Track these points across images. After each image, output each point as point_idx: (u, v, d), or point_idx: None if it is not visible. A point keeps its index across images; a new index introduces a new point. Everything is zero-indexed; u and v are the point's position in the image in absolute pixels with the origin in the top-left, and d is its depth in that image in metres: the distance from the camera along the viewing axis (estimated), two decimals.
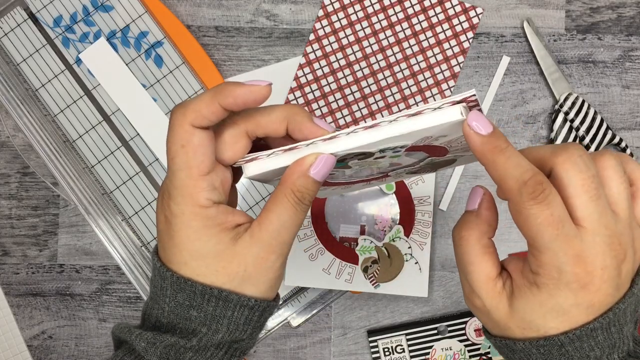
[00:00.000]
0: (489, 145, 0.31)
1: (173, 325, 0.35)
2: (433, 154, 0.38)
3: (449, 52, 0.63)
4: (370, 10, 0.63)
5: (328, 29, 0.63)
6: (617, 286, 0.32)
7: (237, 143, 0.35)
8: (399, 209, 0.59)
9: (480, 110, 0.31)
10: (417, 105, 0.63)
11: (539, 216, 0.30)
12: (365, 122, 0.35)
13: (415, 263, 0.59)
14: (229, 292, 0.34)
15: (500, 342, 0.34)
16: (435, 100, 0.63)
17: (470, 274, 0.34)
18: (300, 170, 0.33)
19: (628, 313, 0.32)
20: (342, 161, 0.36)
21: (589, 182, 0.31)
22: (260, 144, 0.37)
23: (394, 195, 0.59)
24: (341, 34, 0.63)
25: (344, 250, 0.59)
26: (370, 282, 0.59)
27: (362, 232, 0.59)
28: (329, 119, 0.63)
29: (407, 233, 0.59)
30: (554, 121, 0.62)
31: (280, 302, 0.61)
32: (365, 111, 0.63)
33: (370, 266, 0.58)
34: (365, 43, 0.63)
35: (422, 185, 0.59)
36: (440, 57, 0.63)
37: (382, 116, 0.63)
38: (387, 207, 0.59)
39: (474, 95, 0.30)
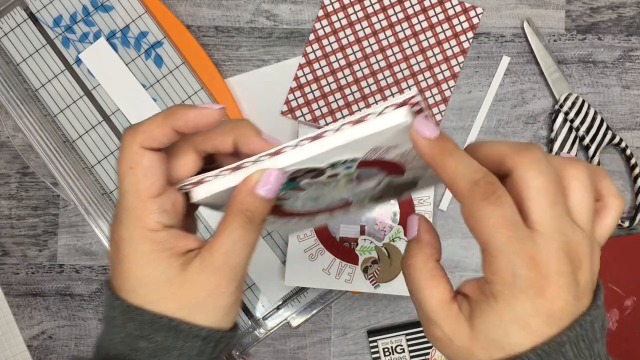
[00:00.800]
0: (437, 148, 0.30)
1: (122, 357, 0.32)
2: (389, 172, 0.36)
3: (449, 52, 0.63)
4: (370, 10, 0.63)
5: (328, 29, 0.63)
6: (576, 295, 0.30)
7: (186, 157, 0.33)
8: (398, 209, 0.59)
9: (426, 114, 0.30)
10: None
11: (491, 216, 0.29)
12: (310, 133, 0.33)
13: None
14: (178, 322, 0.32)
15: None
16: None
17: (423, 300, 0.31)
18: (247, 188, 0.32)
19: (596, 328, 0.31)
20: (293, 180, 0.34)
21: (549, 185, 0.29)
22: (211, 167, 0.34)
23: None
24: (341, 34, 0.63)
25: (344, 250, 0.59)
26: (370, 282, 0.59)
27: (362, 232, 0.59)
28: (329, 119, 0.63)
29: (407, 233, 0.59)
30: (554, 121, 0.62)
31: (280, 302, 0.61)
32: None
33: (370, 266, 0.58)
34: (365, 43, 0.63)
35: None
36: (440, 57, 0.63)
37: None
38: (386, 208, 0.59)
39: (416, 96, 0.29)
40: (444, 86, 0.63)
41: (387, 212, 0.59)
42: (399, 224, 0.59)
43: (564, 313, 0.29)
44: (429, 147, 0.30)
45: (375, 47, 0.63)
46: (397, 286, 0.59)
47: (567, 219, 0.30)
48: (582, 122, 0.62)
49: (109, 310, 0.33)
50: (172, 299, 0.32)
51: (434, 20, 0.63)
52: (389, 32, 0.63)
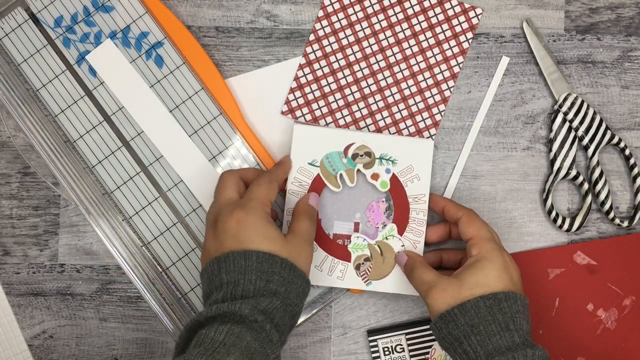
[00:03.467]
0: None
1: (259, 290, 0.47)
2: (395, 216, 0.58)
3: (449, 53, 0.63)
4: (370, 10, 0.63)
5: (328, 30, 0.63)
6: (519, 275, 0.53)
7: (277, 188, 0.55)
8: (393, 207, 0.59)
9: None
10: (417, 106, 0.63)
11: (477, 220, 0.55)
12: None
13: None
14: (294, 264, 0.49)
15: (453, 311, 0.49)
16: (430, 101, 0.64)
17: (426, 277, 0.53)
18: (304, 201, 0.56)
19: (526, 305, 0.51)
20: (354, 158, 0.59)
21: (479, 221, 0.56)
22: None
23: (388, 192, 0.59)
24: (341, 35, 0.63)
25: (336, 247, 0.59)
26: (363, 279, 0.59)
27: (356, 229, 0.59)
28: (329, 119, 0.63)
29: (401, 231, 0.59)
30: (553, 121, 0.62)
31: None
32: (365, 111, 0.63)
33: (363, 263, 0.58)
34: (365, 43, 0.63)
35: (417, 183, 0.59)
36: (440, 57, 0.63)
37: (382, 116, 0.63)
38: (380, 205, 0.59)
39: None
40: (444, 86, 0.63)
41: (380, 209, 0.59)
42: (392, 222, 0.59)
43: (515, 280, 0.52)
44: (437, 199, 0.60)
45: (375, 48, 0.63)
46: (389, 283, 0.59)
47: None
48: (581, 122, 0.62)
49: (242, 262, 0.48)
50: (284, 250, 0.49)
51: (434, 20, 0.63)
52: (388, 33, 0.63)
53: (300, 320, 0.61)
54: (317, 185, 0.59)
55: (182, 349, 0.47)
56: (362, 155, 0.59)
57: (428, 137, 0.63)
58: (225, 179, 0.53)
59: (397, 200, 0.59)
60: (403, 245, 0.59)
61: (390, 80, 0.63)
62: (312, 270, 0.58)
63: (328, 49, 0.63)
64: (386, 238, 0.59)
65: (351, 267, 0.59)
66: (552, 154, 0.62)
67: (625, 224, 0.62)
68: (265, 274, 0.48)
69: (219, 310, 0.45)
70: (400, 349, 0.62)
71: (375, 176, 0.59)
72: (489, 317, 0.48)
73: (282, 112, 0.63)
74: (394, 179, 0.59)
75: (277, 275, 0.48)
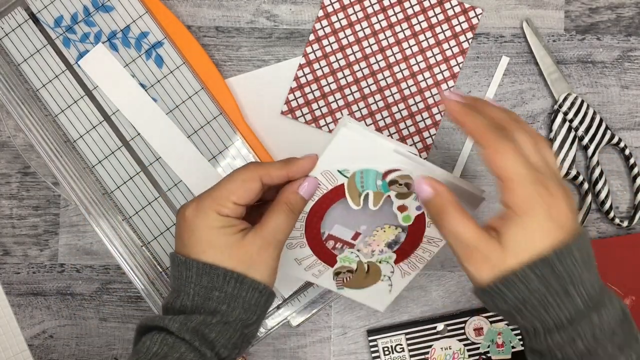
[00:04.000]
0: (465, 107, 0.43)
1: (197, 307, 0.43)
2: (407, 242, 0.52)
3: (449, 53, 0.63)
4: (370, 10, 0.63)
5: (328, 30, 0.63)
6: (573, 210, 0.41)
7: (255, 185, 0.46)
8: (402, 242, 0.53)
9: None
10: (417, 106, 0.63)
11: (511, 148, 0.40)
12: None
13: (389, 285, 0.55)
14: (244, 275, 0.43)
15: (497, 286, 0.40)
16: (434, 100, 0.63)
17: (461, 234, 0.41)
18: (292, 188, 0.46)
19: (589, 244, 0.41)
20: (391, 184, 0.48)
21: (530, 139, 0.42)
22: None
23: (406, 227, 0.52)
24: (341, 34, 0.63)
25: (325, 251, 0.53)
26: (337, 284, 0.55)
27: (355, 238, 0.53)
28: (329, 119, 0.63)
29: (398, 261, 0.54)
30: (553, 121, 0.62)
31: (280, 302, 0.61)
32: (365, 111, 0.63)
33: (344, 273, 0.54)
34: (365, 43, 0.63)
35: None
36: (439, 57, 0.63)
37: (382, 116, 0.63)
38: (390, 234, 0.53)
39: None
40: (444, 86, 0.63)
41: (387, 238, 0.53)
42: (394, 252, 0.53)
43: (568, 223, 0.40)
44: (458, 106, 0.43)
45: (375, 48, 0.63)
46: (361, 295, 0.55)
47: (544, 163, 0.42)
48: (581, 122, 0.62)
49: (183, 272, 0.43)
50: (233, 259, 0.43)
51: (434, 20, 0.63)
52: (388, 33, 0.63)
53: (299, 321, 0.61)
54: (336, 194, 0.49)
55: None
56: (400, 185, 0.49)
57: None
58: (238, 174, 0.45)
59: (411, 237, 0.52)
60: (392, 272, 0.54)
61: (390, 80, 0.63)
62: (291, 263, 0.54)
63: (328, 49, 0.63)
64: (379, 262, 0.54)
65: (331, 271, 0.54)
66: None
67: (625, 223, 0.62)
68: (204, 290, 0.43)
69: (152, 322, 0.43)
70: (400, 348, 0.62)
71: (402, 208, 0.50)
72: (542, 288, 0.39)
73: (282, 112, 0.63)
74: (420, 218, 0.51)
75: (217, 291, 0.43)
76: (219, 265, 0.43)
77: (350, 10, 0.63)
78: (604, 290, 0.41)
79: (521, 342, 0.62)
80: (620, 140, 0.62)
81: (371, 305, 0.57)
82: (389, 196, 0.49)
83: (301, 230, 0.51)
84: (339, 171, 0.47)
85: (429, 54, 0.63)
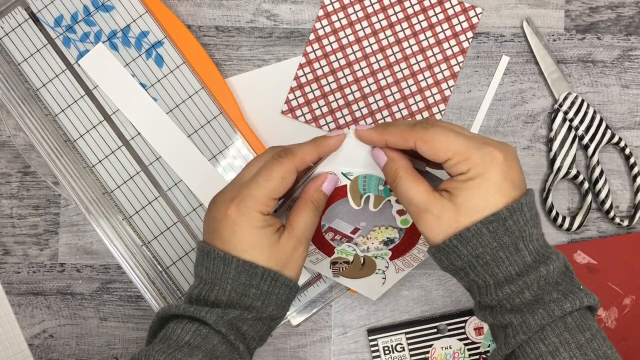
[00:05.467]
0: (377, 130, 0.45)
1: (233, 302, 0.44)
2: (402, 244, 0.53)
3: (449, 52, 0.63)
4: (370, 10, 0.63)
5: (328, 29, 0.63)
6: (521, 168, 0.43)
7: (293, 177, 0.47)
8: (399, 241, 0.54)
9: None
10: (417, 105, 0.63)
11: (438, 131, 0.41)
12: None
13: (383, 278, 0.56)
14: (279, 274, 0.45)
15: (452, 242, 0.41)
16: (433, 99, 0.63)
17: (413, 197, 0.42)
18: (316, 186, 0.47)
19: (535, 205, 0.43)
20: (392, 190, 0.49)
21: (447, 127, 0.42)
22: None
23: (403, 229, 0.53)
24: (341, 34, 0.63)
25: (324, 242, 0.54)
26: (333, 272, 0.57)
27: (354, 233, 0.54)
28: (329, 118, 0.63)
29: (393, 258, 0.55)
30: (553, 120, 0.62)
31: None
32: (365, 111, 0.63)
33: (340, 263, 0.56)
34: (365, 43, 0.63)
35: None
36: (440, 56, 0.63)
37: (382, 115, 0.63)
38: (387, 234, 0.53)
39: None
40: (444, 86, 0.63)
41: (383, 236, 0.54)
42: (389, 249, 0.54)
43: (519, 181, 0.42)
44: (373, 130, 0.45)
45: (375, 47, 0.63)
46: (356, 284, 0.57)
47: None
48: (581, 122, 0.62)
49: (221, 267, 0.44)
50: (271, 259, 0.45)
51: (434, 20, 0.63)
52: (388, 32, 0.63)
53: (300, 320, 0.61)
54: (338, 193, 0.50)
55: (153, 337, 0.46)
56: None
57: None
58: (277, 171, 0.45)
59: (407, 239, 0.53)
60: (387, 267, 0.55)
61: (390, 79, 0.63)
62: None
63: (328, 49, 0.63)
64: (375, 257, 0.55)
65: (328, 260, 0.56)
66: (552, 153, 0.62)
67: (626, 223, 0.62)
68: (242, 286, 0.44)
69: (186, 312, 0.44)
70: (401, 348, 0.62)
71: (401, 212, 0.51)
72: (495, 243, 0.40)
73: (282, 112, 0.63)
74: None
75: (254, 289, 0.44)
76: (258, 264, 0.44)
77: (350, 10, 0.63)
78: (549, 246, 0.43)
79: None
80: (620, 139, 0.62)
81: (364, 294, 0.58)
82: (389, 200, 0.50)
83: None
84: (342, 173, 0.49)
85: (429, 53, 0.63)
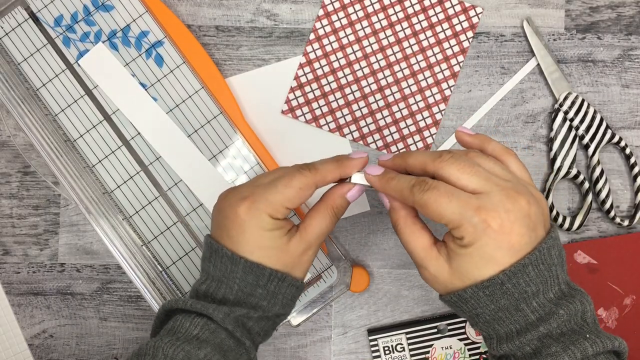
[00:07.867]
0: (383, 178, 0.44)
1: (239, 301, 0.45)
2: None
3: (449, 52, 0.63)
4: (370, 9, 0.63)
5: (328, 29, 0.63)
6: (529, 226, 0.39)
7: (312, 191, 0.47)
8: None
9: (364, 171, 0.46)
10: (417, 105, 0.63)
11: (432, 197, 0.40)
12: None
13: None
14: (286, 275, 0.45)
15: (452, 298, 0.42)
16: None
17: (411, 251, 0.43)
18: (341, 192, 0.47)
19: (553, 254, 0.40)
20: None
21: (463, 165, 0.40)
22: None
23: None
24: (341, 34, 0.63)
25: None
26: None
27: None
28: (329, 118, 0.63)
29: None
30: (553, 120, 0.62)
31: None
32: (365, 110, 0.63)
33: None
34: (365, 42, 0.63)
35: None
36: (440, 56, 0.63)
37: (382, 115, 0.63)
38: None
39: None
40: (444, 85, 0.63)
41: None
42: None
43: (522, 244, 0.39)
44: (377, 180, 0.45)
45: (375, 47, 0.63)
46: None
47: (493, 176, 0.40)
48: (581, 121, 0.62)
49: (229, 266, 0.45)
50: (279, 261, 0.45)
51: (434, 19, 0.63)
52: (389, 32, 0.63)
53: (300, 320, 0.61)
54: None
55: (159, 328, 0.47)
56: None
57: (428, 136, 0.63)
58: (296, 181, 0.45)
59: None
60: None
61: (390, 79, 0.63)
62: None
63: (328, 48, 0.63)
64: None
65: None
66: (552, 153, 0.62)
67: (626, 223, 0.62)
68: (249, 286, 0.45)
69: (194, 308, 0.45)
70: (401, 348, 0.62)
71: None
72: (492, 305, 0.40)
73: (282, 112, 0.63)
74: None
75: (261, 289, 0.45)
76: (266, 266, 0.44)
77: (350, 10, 0.63)
78: (563, 295, 0.41)
79: None
80: (620, 139, 0.62)
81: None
82: None
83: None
84: None
85: (429, 53, 0.63)
